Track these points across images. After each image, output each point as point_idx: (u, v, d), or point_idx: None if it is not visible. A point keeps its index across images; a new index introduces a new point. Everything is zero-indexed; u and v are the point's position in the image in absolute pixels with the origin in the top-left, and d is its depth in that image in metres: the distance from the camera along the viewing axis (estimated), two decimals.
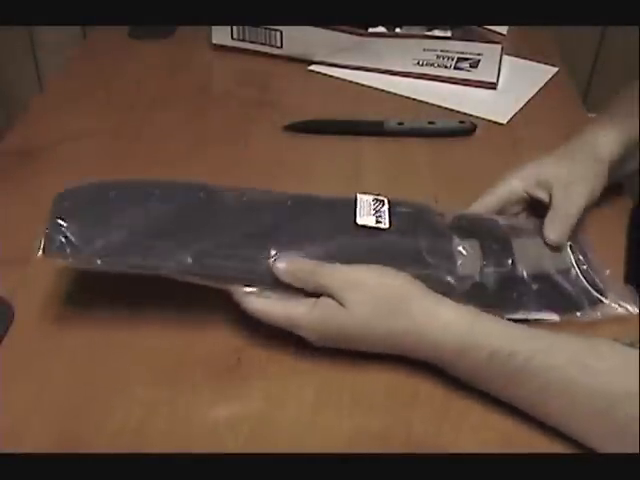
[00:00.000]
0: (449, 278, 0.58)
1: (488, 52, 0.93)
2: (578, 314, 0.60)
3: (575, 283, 0.61)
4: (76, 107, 0.90)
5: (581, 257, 0.63)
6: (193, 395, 0.55)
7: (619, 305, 0.60)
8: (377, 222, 0.60)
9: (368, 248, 0.59)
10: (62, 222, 0.55)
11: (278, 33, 0.98)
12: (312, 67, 0.99)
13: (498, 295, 0.59)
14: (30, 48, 1.45)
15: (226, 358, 0.58)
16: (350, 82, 0.97)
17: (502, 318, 0.56)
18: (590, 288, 0.61)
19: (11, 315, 0.60)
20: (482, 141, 0.86)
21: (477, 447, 0.52)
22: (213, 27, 1.01)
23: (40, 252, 0.55)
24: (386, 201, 0.62)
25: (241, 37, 1.01)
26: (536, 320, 0.59)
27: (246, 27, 1.00)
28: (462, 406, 0.54)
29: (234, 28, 1.00)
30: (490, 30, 0.99)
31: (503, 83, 0.95)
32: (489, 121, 0.88)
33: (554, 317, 0.59)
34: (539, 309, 0.59)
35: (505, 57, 0.95)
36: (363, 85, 0.96)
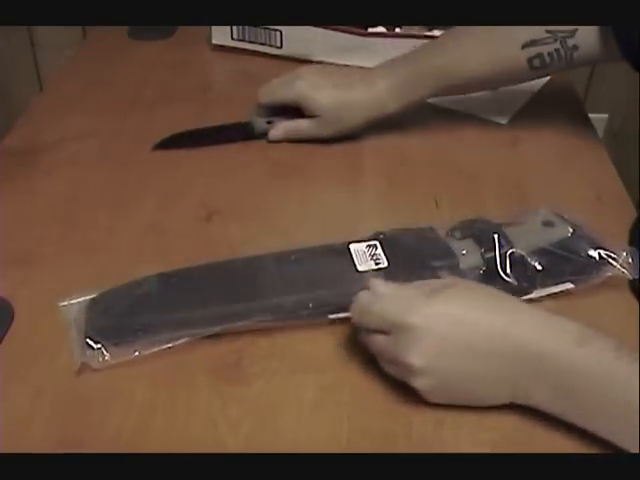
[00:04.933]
0: (456, 273, 0.60)
1: None
2: (590, 278, 0.61)
3: (577, 250, 0.62)
4: (76, 107, 0.90)
5: (577, 227, 0.64)
6: (193, 395, 0.55)
7: (623, 267, 0.61)
8: (376, 264, 0.62)
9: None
10: (92, 341, 0.57)
11: (278, 33, 0.98)
12: None
13: (509, 278, 0.60)
14: (30, 48, 1.45)
15: (226, 358, 0.58)
16: None
17: (520, 301, 0.57)
18: (594, 251, 0.61)
19: (11, 315, 0.60)
20: (480, 140, 0.86)
21: (477, 447, 0.52)
22: (213, 27, 1.01)
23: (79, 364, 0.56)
24: (378, 244, 0.63)
25: (241, 37, 1.01)
26: (554, 293, 0.60)
27: (246, 27, 1.00)
28: (462, 406, 0.54)
29: (234, 28, 1.00)
30: None
31: None
32: (489, 121, 0.88)
33: (569, 286, 0.61)
34: (553, 283, 0.61)
35: None
36: None
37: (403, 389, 0.55)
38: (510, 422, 0.53)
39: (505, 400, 0.53)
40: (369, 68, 0.82)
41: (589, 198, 0.75)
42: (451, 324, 0.52)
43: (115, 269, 0.65)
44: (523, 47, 0.75)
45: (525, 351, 0.51)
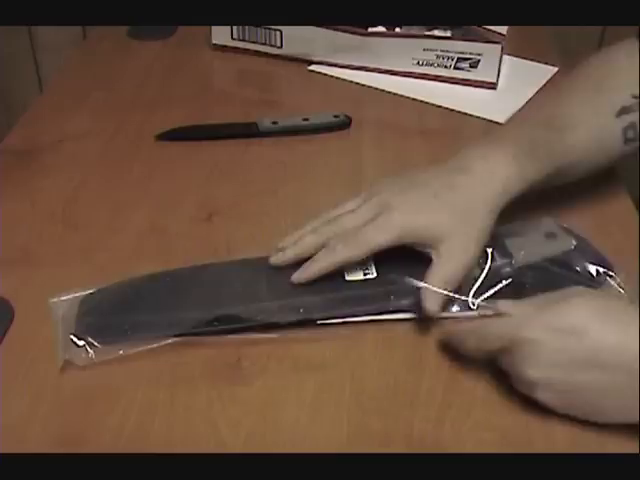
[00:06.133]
0: None
1: (488, 52, 0.93)
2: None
3: (576, 264, 0.61)
4: (76, 107, 0.90)
5: (580, 240, 0.63)
6: (193, 395, 0.55)
7: (620, 286, 0.60)
8: (365, 274, 0.62)
9: (361, 296, 0.60)
10: (77, 339, 0.57)
11: (278, 33, 0.98)
12: (312, 67, 0.99)
13: (508, 290, 0.60)
14: (30, 48, 1.45)
15: (226, 358, 0.58)
16: (350, 82, 0.97)
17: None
18: (592, 267, 0.61)
19: (11, 315, 0.60)
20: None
21: (477, 447, 0.52)
22: (213, 27, 1.01)
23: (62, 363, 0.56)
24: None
25: (241, 37, 1.01)
26: None
27: (246, 27, 1.00)
28: (462, 406, 0.54)
29: (234, 28, 1.00)
30: (490, 30, 0.99)
31: (503, 83, 0.95)
32: (489, 121, 0.88)
33: None
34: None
35: (505, 57, 0.95)
36: (363, 85, 0.96)
37: (403, 389, 0.55)
38: (510, 422, 0.53)
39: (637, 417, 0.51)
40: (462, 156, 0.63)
41: (590, 199, 0.75)
42: (568, 336, 0.51)
43: (115, 269, 0.65)
44: (617, 115, 0.67)
45: None
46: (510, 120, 0.70)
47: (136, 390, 0.55)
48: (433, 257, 0.59)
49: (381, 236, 0.59)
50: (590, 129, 0.67)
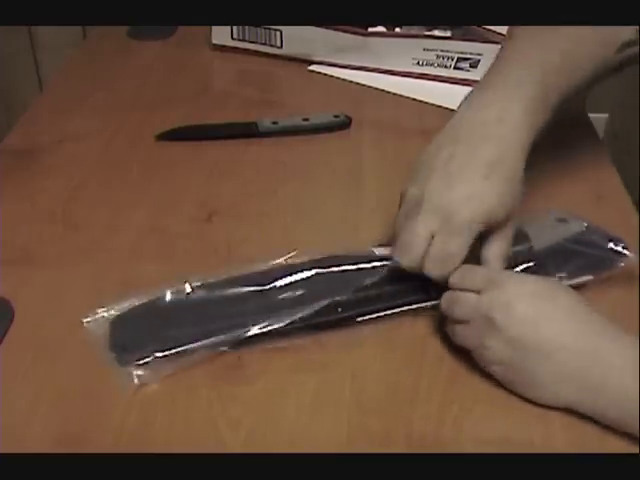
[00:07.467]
0: None
1: (488, 52, 0.93)
2: (608, 269, 0.62)
3: (593, 243, 0.63)
4: (76, 107, 0.90)
5: (589, 223, 0.65)
6: (193, 395, 0.55)
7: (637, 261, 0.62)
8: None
9: (397, 290, 0.61)
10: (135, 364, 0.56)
11: (278, 33, 0.98)
12: (312, 67, 0.99)
13: (532, 272, 0.61)
14: (30, 48, 1.46)
15: (226, 358, 0.58)
16: (350, 82, 0.97)
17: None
18: (610, 243, 0.62)
19: (11, 315, 0.60)
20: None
21: (477, 447, 0.52)
22: (213, 27, 1.01)
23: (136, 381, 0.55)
24: None
25: (241, 37, 1.01)
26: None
27: (246, 27, 1.00)
28: (462, 406, 0.54)
29: (234, 28, 1.00)
30: (490, 30, 0.99)
31: None
32: None
33: (588, 277, 0.61)
34: (572, 275, 0.61)
35: None
36: (363, 85, 0.96)
37: (403, 389, 0.56)
38: (510, 422, 0.53)
39: (566, 399, 0.53)
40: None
41: (589, 198, 0.75)
42: (544, 290, 0.55)
43: (115, 269, 0.65)
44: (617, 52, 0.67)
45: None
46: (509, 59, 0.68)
47: (136, 390, 0.55)
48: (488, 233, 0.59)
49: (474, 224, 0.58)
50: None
